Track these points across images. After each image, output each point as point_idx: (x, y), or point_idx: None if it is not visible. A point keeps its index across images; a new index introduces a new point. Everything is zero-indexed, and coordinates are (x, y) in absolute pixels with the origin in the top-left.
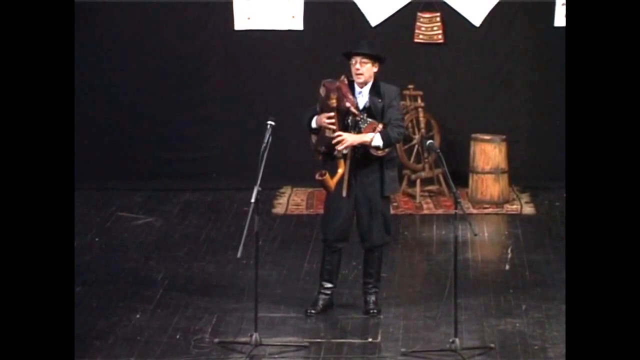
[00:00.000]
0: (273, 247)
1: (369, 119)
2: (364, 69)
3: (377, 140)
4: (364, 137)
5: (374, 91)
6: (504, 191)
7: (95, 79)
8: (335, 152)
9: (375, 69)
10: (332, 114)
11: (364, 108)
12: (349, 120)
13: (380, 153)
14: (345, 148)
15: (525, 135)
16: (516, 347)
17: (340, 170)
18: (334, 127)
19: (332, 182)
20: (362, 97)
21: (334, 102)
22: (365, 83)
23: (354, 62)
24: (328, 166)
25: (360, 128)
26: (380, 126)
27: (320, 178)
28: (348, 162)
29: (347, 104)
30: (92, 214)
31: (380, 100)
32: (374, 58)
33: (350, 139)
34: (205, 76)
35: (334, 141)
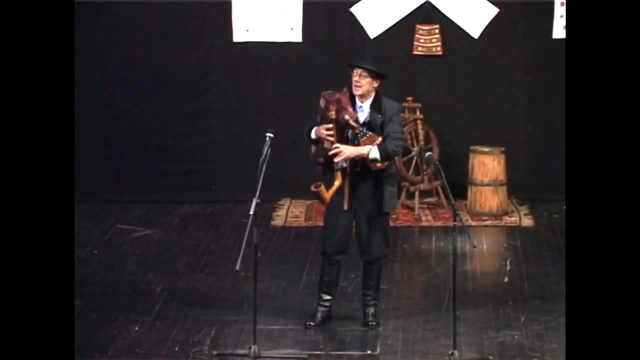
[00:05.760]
0: (272, 259)
1: (368, 132)
2: (363, 82)
3: (374, 152)
4: (362, 150)
5: (375, 106)
6: (502, 203)
7: (94, 92)
8: (334, 165)
9: (375, 84)
10: (330, 125)
11: (364, 123)
12: (348, 133)
13: (379, 166)
14: (343, 160)
15: (524, 147)
16: None
17: (336, 183)
18: (332, 138)
19: (328, 195)
20: (363, 111)
21: (332, 114)
22: (364, 97)
23: (354, 73)
24: (327, 177)
25: (359, 141)
26: (379, 139)
27: (315, 190)
28: (348, 175)
29: (346, 117)
30: (91, 226)
31: (380, 116)
32: (374, 73)
33: (347, 151)
34: (204, 88)
35: (331, 153)
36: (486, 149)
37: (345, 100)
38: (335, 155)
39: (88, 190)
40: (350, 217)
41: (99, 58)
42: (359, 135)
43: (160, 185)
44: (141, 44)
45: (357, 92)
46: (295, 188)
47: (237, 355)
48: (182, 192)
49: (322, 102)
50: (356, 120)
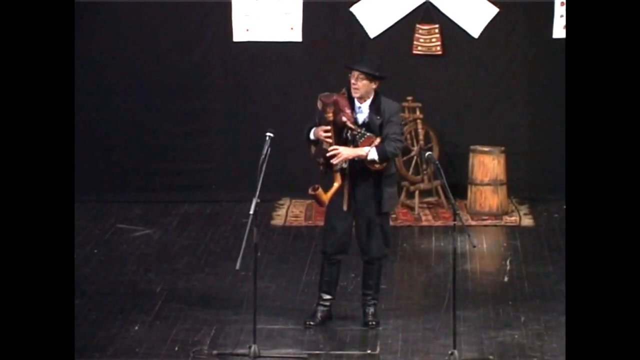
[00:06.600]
0: (272, 258)
1: (367, 133)
2: (360, 84)
3: (372, 154)
4: (360, 151)
5: (374, 107)
6: (502, 203)
7: (94, 91)
8: (334, 166)
9: (373, 86)
10: (328, 127)
11: (363, 123)
12: (347, 135)
13: (377, 167)
14: (341, 161)
15: (524, 147)
16: (515, 359)
17: (335, 184)
18: (330, 140)
19: (326, 197)
20: (362, 112)
21: (330, 116)
22: (363, 98)
23: (352, 76)
24: (329, 177)
25: (357, 142)
26: (378, 140)
27: (312, 192)
28: (347, 176)
29: (344, 118)
30: (91, 226)
31: (379, 117)
32: (371, 75)
33: (345, 152)
34: (204, 88)
35: (329, 154)
36: (486, 149)
37: (342, 102)
38: (334, 156)
39: (88, 190)
40: (350, 217)
41: (99, 58)
42: (357, 136)
43: (160, 185)
44: (141, 44)
45: (355, 94)
46: (295, 187)
47: (237, 354)
48: (182, 192)
49: (319, 104)
50: (355, 122)
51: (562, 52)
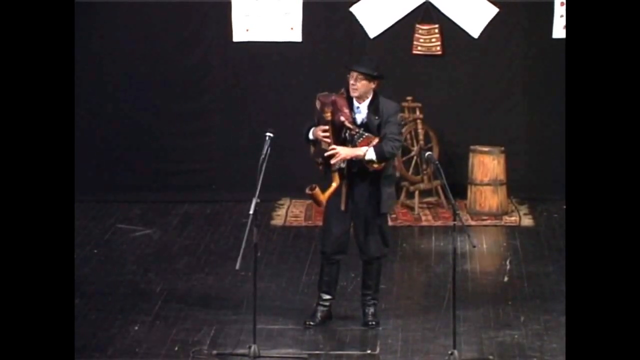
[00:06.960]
0: (272, 258)
1: (365, 133)
2: (359, 84)
3: (370, 154)
4: (357, 151)
5: (373, 107)
6: (502, 203)
7: (94, 92)
8: (332, 166)
9: (372, 86)
10: (327, 127)
11: (361, 124)
12: (346, 134)
13: (375, 167)
14: (339, 161)
15: (523, 147)
16: (515, 359)
17: (334, 184)
18: (328, 140)
19: (323, 197)
20: (360, 112)
21: (328, 116)
22: (361, 98)
23: (351, 76)
24: (328, 177)
25: (355, 142)
26: (376, 140)
27: (309, 192)
28: (345, 176)
29: (342, 118)
30: (91, 226)
31: (377, 118)
32: (370, 76)
33: (343, 152)
34: (204, 88)
35: (327, 154)
36: (486, 149)
37: (341, 102)
38: (332, 156)
39: (88, 190)
40: (349, 217)
41: (98, 58)
42: (356, 136)
43: (160, 185)
44: (141, 44)
45: (354, 94)
46: (295, 187)
47: (237, 355)
48: (182, 192)
49: (317, 104)
50: (353, 122)
51: (562, 52)
